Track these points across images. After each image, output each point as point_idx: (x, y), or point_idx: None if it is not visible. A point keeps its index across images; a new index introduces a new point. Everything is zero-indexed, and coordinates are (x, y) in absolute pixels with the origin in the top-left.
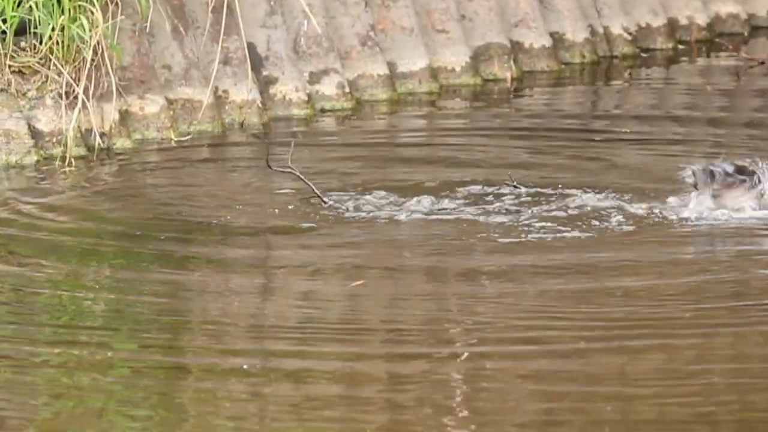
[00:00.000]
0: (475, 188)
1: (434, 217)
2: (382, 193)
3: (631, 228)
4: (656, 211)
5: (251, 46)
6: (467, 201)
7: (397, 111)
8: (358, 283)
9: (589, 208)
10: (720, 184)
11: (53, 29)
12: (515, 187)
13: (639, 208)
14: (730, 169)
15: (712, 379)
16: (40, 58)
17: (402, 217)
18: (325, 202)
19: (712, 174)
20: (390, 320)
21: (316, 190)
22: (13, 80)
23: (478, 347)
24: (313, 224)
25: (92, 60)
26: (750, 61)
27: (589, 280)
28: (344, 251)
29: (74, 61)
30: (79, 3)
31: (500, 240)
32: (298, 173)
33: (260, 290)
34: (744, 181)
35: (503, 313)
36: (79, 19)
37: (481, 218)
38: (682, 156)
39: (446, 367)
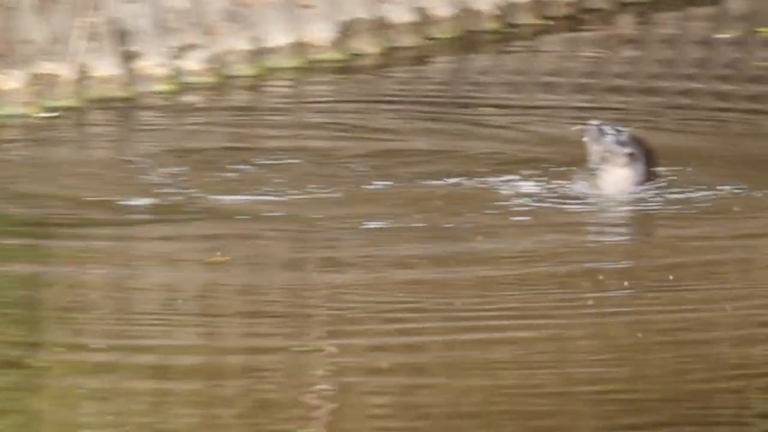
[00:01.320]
0: (348, 169)
1: (298, 197)
2: (247, 167)
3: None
4: (525, 191)
5: (116, 21)
6: (334, 181)
7: (262, 85)
8: (218, 258)
9: (456, 189)
10: (607, 147)
11: None
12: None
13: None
14: (623, 137)
15: (570, 368)
16: None
17: (264, 198)
18: (183, 189)
19: (602, 132)
20: (247, 310)
21: (179, 186)
22: None
23: (336, 339)
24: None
25: None
26: (612, 35)
27: (446, 271)
28: (201, 240)
29: None
30: None
31: (363, 227)
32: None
33: (113, 280)
34: (631, 154)
35: (362, 303)
36: None
37: (345, 204)
38: (545, 121)
39: (301, 359)
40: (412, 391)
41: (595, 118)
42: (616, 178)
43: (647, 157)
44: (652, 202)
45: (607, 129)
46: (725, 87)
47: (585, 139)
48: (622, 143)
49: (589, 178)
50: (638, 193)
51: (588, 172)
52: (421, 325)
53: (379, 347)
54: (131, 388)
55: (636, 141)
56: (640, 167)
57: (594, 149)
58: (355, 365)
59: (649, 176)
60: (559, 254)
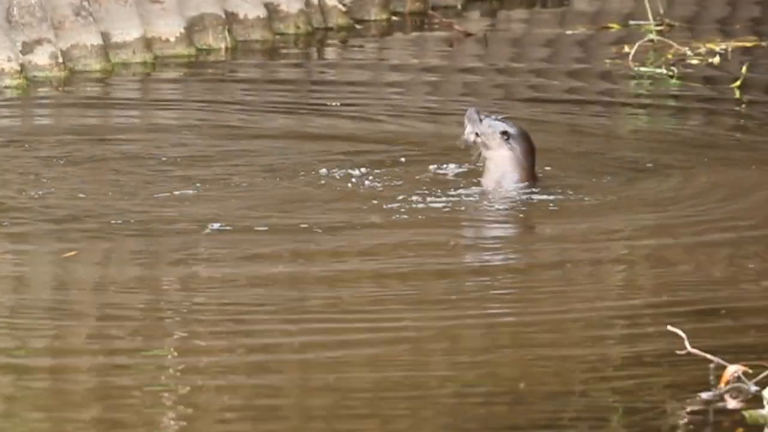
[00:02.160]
0: (199, 167)
1: (148, 195)
2: (97, 164)
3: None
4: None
5: None
6: (184, 180)
7: (111, 81)
8: (69, 254)
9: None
10: (486, 129)
11: None
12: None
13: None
14: (495, 123)
15: (423, 370)
16: None
17: (114, 201)
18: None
19: (479, 118)
20: (102, 309)
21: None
22: None
23: (184, 339)
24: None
25: None
26: (460, 33)
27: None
28: (51, 239)
29: None
30: None
31: (212, 226)
32: None
33: None
34: (507, 140)
35: (213, 300)
36: None
37: (197, 202)
38: (394, 119)
39: (150, 359)
40: (262, 392)
41: (471, 104)
42: (497, 162)
43: (531, 155)
44: (517, 201)
45: (484, 115)
46: (575, 83)
47: (466, 130)
48: (502, 122)
49: (459, 171)
50: (520, 189)
51: (456, 165)
52: (271, 327)
53: (229, 348)
54: None
55: (521, 133)
56: (523, 159)
57: (471, 134)
58: (205, 365)
59: (533, 174)
60: (417, 251)
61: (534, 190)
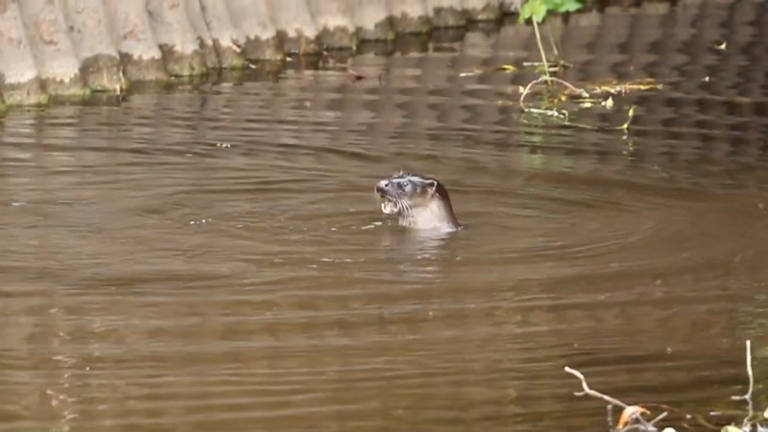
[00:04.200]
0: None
1: (42, 241)
2: None
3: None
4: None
5: None
6: (73, 225)
7: (3, 122)
8: None
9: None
10: (412, 196)
11: None
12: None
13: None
14: (417, 180)
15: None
16: None
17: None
18: None
19: (400, 186)
20: None
21: None
22: None
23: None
24: None
25: None
26: (352, 76)
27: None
28: None
29: None
30: None
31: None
32: None
33: None
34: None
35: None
36: None
37: (86, 249)
38: (285, 158)
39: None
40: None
41: (382, 177)
42: (426, 216)
43: (449, 200)
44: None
45: (399, 179)
46: (472, 126)
47: (385, 200)
48: (419, 177)
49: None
50: (443, 234)
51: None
52: (167, 379)
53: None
54: None
55: (438, 183)
56: (448, 208)
57: (391, 206)
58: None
59: (455, 221)
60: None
61: (459, 229)
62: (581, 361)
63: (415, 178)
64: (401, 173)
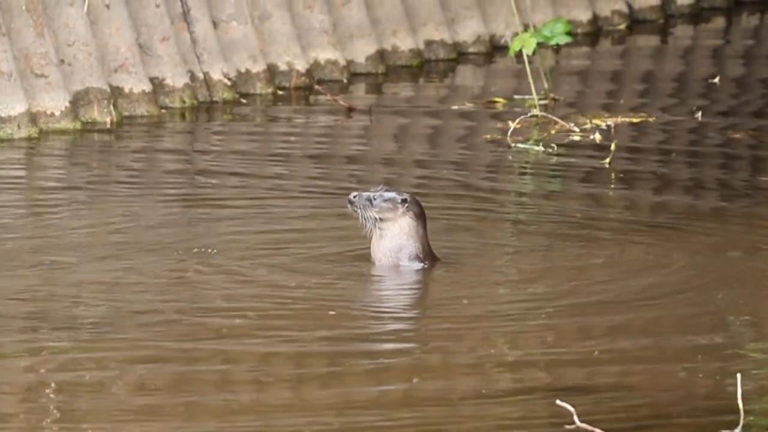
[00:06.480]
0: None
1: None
2: None
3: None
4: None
5: None
6: (62, 261)
7: None
8: None
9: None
10: (380, 209)
11: None
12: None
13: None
14: (389, 195)
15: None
16: None
17: None
18: None
19: (369, 200)
20: None
21: None
22: None
23: None
24: None
25: None
26: (344, 107)
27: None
28: None
29: None
30: None
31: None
32: None
33: None
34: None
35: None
36: None
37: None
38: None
39: None
40: None
41: (351, 190)
42: (395, 231)
43: (424, 219)
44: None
45: (371, 193)
46: (461, 158)
47: (356, 209)
48: (394, 191)
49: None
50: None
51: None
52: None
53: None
54: None
55: (414, 198)
56: (419, 229)
57: (364, 219)
58: None
59: (423, 250)
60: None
61: (426, 263)
62: (572, 393)
63: (388, 193)
64: (380, 187)
